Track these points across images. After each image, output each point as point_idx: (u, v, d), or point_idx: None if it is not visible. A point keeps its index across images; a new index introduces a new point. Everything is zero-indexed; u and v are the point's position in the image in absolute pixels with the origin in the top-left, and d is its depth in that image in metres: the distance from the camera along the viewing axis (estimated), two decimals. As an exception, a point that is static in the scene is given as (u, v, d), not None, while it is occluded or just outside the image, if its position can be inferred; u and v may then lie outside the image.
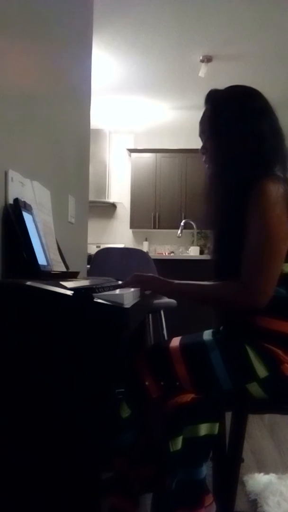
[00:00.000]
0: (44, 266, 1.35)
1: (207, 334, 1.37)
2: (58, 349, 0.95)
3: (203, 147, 1.44)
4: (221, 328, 1.41)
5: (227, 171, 1.34)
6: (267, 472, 1.99)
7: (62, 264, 1.65)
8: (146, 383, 1.26)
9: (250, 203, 1.24)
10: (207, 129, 1.41)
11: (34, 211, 1.42)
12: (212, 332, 1.40)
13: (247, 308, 1.26)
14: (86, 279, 1.76)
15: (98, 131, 6.73)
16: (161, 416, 1.23)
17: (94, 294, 0.96)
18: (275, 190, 1.23)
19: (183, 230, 5.02)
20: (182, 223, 5.04)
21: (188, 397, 1.22)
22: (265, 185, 1.23)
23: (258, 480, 1.90)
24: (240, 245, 1.26)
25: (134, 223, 6.92)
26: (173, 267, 3.62)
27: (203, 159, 1.45)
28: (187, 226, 5.20)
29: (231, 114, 1.34)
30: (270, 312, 1.27)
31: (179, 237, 5.02)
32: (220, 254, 1.37)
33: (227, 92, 1.39)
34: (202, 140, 1.45)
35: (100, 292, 1.04)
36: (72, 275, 1.48)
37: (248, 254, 1.24)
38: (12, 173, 1.31)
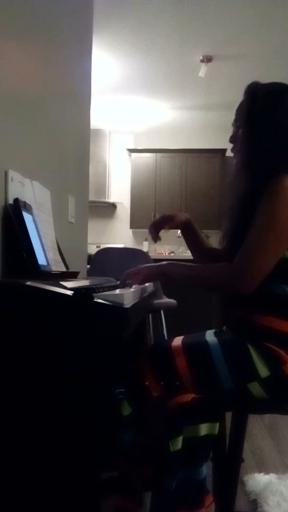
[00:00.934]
0: (44, 266, 1.35)
1: (209, 334, 1.37)
2: (58, 349, 0.95)
3: (233, 136, 1.45)
4: (223, 328, 1.42)
5: (253, 161, 1.35)
6: (267, 472, 1.99)
7: (62, 264, 1.65)
8: (147, 382, 1.26)
9: (265, 195, 1.26)
10: (241, 118, 1.41)
11: (34, 211, 1.42)
12: (214, 332, 1.41)
13: (233, 291, 1.28)
14: (86, 279, 1.76)
15: (98, 131, 6.73)
16: (162, 415, 1.23)
17: (94, 294, 0.96)
18: None
19: (183, 230, 5.02)
20: (182, 223, 5.03)
21: (188, 397, 1.22)
22: (283, 179, 1.24)
23: (258, 480, 1.90)
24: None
25: (134, 223, 6.92)
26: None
27: (231, 148, 1.46)
28: (187, 226, 5.19)
29: (266, 107, 1.35)
30: (273, 311, 1.28)
31: (179, 237, 4.99)
32: (232, 244, 1.37)
33: (267, 86, 1.40)
34: (233, 128, 1.46)
35: (100, 292, 1.04)
36: (72, 275, 1.48)
37: (248, 240, 1.26)
38: (12, 173, 1.31)
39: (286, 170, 1.27)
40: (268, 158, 1.32)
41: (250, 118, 1.38)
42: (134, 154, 6.94)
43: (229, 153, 1.49)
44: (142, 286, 1.37)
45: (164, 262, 1.39)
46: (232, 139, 1.45)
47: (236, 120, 1.44)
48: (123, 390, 1.33)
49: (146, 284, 1.45)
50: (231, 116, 1.46)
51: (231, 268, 1.27)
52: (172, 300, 2.84)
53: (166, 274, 1.37)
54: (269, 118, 1.34)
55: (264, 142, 1.34)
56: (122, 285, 1.39)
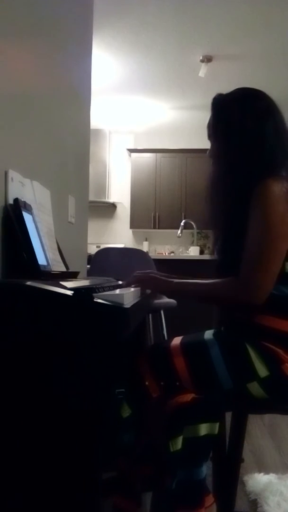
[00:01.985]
0: (44, 266, 1.35)
1: (208, 334, 1.37)
2: (58, 349, 0.95)
3: (209, 150, 1.45)
4: (222, 328, 1.42)
5: (230, 173, 1.35)
6: (267, 472, 1.99)
7: (62, 264, 1.65)
8: (146, 383, 1.26)
9: (253, 202, 1.25)
10: (213, 133, 1.42)
11: (34, 211, 1.42)
12: (213, 332, 1.41)
13: (246, 305, 1.26)
14: (86, 279, 1.76)
15: (98, 131, 6.73)
16: (161, 416, 1.23)
17: (94, 294, 0.96)
18: (278, 189, 1.23)
19: (183, 230, 5.02)
20: (182, 223, 5.04)
21: (188, 397, 1.22)
22: (268, 184, 1.24)
23: (258, 480, 1.90)
24: (242, 244, 1.26)
25: (134, 223, 6.92)
26: (173, 267, 3.62)
27: (211, 162, 1.46)
28: (187, 226, 5.20)
29: (232, 117, 1.35)
30: (272, 311, 1.28)
31: (179, 237, 5.02)
32: (223, 253, 1.37)
33: (229, 95, 1.40)
34: (210, 142, 1.46)
35: (100, 292, 1.04)
36: (72, 275, 1.48)
37: (248, 251, 1.25)
38: (12, 173, 1.31)
39: (268, 172, 1.27)
40: (247, 168, 1.31)
41: (220, 131, 1.38)
42: (134, 154, 6.94)
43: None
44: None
45: (174, 281, 1.37)
46: (211, 153, 1.45)
47: (209, 136, 1.45)
48: (123, 390, 1.33)
49: None
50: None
51: (238, 283, 1.25)
52: (172, 300, 2.84)
53: (174, 293, 1.38)
54: (236, 126, 1.34)
55: (240, 154, 1.33)
56: (127, 285, 1.39)
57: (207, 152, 1.46)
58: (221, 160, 1.40)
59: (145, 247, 6.91)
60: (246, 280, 1.23)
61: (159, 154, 6.89)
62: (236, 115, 1.34)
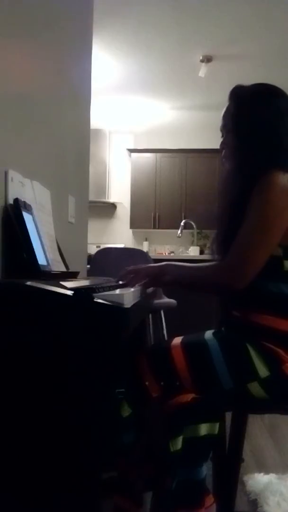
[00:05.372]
0: (44, 266, 1.35)
1: (208, 334, 1.37)
2: (58, 349, 0.95)
3: (223, 142, 1.44)
4: (222, 328, 1.42)
5: (244, 167, 1.34)
6: (267, 472, 1.99)
7: (62, 264, 1.65)
8: (146, 383, 1.26)
9: (255, 190, 1.26)
10: (229, 124, 1.41)
11: (34, 211, 1.42)
12: (214, 332, 1.41)
13: (225, 289, 1.29)
14: (86, 279, 1.76)
15: (98, 131, 6.73)
16: (161, 416, 1.23)
17: (94, 294, 0.96)
18: (282, 182, 1.24)
19: (183, 230, 5.02)
20: (182, 223, 5.04)
21: (189, 397, 1.22)
22: (274, 175, 1.24)
23: (258, 480, 1.90)
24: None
25: (134, 223, 6.92)
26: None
27: (222, 154, 1.46)
28: (187, 226, 5.20)
29: (253, 111, 1.35)
30: (272, 310, 1.28)
31: (179, 237, 5.02)
32: (225, 249, 1.37)
33: (252, 89, 1.39)
34: (222, 134, 1.45)
35: (100, 292, 1.04)
36: (72, 275, 1.48)
37: (239, 236, 1.26)
38: (12, 173, 1.31)
39: (274, 166, 1.27)
40: (259, 161, 1.31)
41: (237, 122, 1.38)
42: (134, 154, 6.94)
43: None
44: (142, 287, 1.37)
45: (164, 263, 1.40)
46: (222, 146, 1.45)
47: (224, 126, 1.44)
48: (123, 390, 1.33)
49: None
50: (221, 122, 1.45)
51: (222, 266, 1.28)
52: (172, 300, 2.84)
53: (164, 273, 1.38)
54: (257, 120, 1.34)
55: (254, 146, 1.33)
56: (119, 279, 1.40)
57: (220, 144, 1.44)
58: (236, 153, 1.39)
59: (145, 247, 6.91)
60: (231, 264, 1.26)
61: (159, 154, 6.89)
62: (257, 110, 1.34)
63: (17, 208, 1.27)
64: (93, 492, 0.97)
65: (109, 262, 2.94)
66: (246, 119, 1.36)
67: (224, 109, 1.43)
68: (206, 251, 6.43)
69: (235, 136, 1.39)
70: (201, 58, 4.87)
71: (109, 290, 1.15)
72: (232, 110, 1.40)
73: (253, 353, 1.24)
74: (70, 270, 1.69)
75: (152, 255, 4.25)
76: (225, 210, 1.41)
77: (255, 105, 1.35)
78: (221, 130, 1.45)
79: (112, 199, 7.10)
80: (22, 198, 1.34)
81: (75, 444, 0.96)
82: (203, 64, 4.92)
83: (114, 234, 7.21)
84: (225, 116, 1.43)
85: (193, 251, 5.36)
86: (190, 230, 5.68)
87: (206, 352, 1.27)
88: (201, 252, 6.15)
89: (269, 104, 1.35)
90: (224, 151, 1.45)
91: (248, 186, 1.28)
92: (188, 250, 6.04)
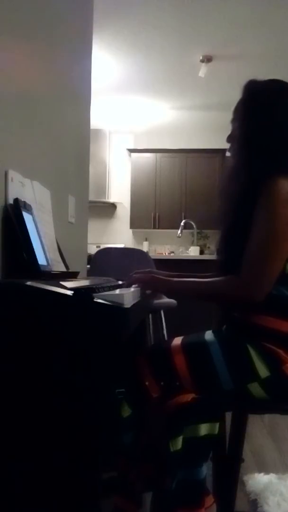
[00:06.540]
0: (44, 266, 1.35)
1: (208, 334, 1.37)
2: (58, 349, 0.95)
3: (230, 135, 1.44)
4: (223, 328, 1.42)
5: (251, 160, 1.33)
6: (267, 472, 1.99)
7: (62, 264, 1.65)
8: (147, 383, 1.26)
9: (260, 200, 1.25)
10: (239, 117, 1.40)
11: (34, 211, 1.42)
12: (214, 332, 1.41)
13: (244, 303, 1.27)
14: (86, 279, 1.76)
15: (98, 131, 6.73)
16: (162, 416, 1.23)
17: (94, 294, 0.96)
18: (286, 188, 1.23)
19: (183, 230, 5.02)
20: (182, 223, 5.04)
21: (189, 397, 1.21)
22: (278, 182, 1.23)
23: (258, 480, 1.90)
24: (245, 242, 1.26)
25: (134, 223, 6.92)
26: (173, 267, 3.62)
27: (228, 148, 1.45)
28: (187, 226, 5.20)
29: (264, 106, 1.34)
30: (272, 312, 1.28)
31: (179, 237, 5.02)
32: (227, 250, 1.37)
33: (265, 84, 1.38)
34: (232, 127, 1.44)
35: (100, 292, 1.04)
36: (72, 275, 1.48)
37: (250, 249, 1.25)
38: (12, 173, 1.31)
39: (278, 173, 1.26)
40: (266, 157, 1.31)
41: (248, 116, 1.36)
42: (134, 154, 6.94)
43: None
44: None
45: (174, 280, 1.38)
46: (230, 139, 1.44)
47: (234, 119, 1.43)
48: (123, 390, 1.33)
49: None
50: (231, 116, 1.45)
51: (239, 281, 1.25)
52: (172, 300, 2.84)
53: (173, 292, 1.38)
54: (268, 116, 1.33)
55: (262, 141, 1.33)
56: (128, 285, 1.39)
57: (227, 137, 1.43)
58: (243, 147, 1.37)
59: (145, 247, 6.91)
60: (247, 279, 1.24)
61: (159, 154, 6.89)
62: (268, 106, 1.33)
63: (17, 208, 1.27)
64: (93, 492, 0.97)
65: (109, 262, 2.94)
66: (258, 114, 1.34)
67: (237, 102, 1.41)
68: (206, 251, 6.43)
69: (244, 130, 1.38)
70: (201, 58, 4.87)
71: (109, 290, 1.15)
72: (244, 103, 1.38)
73: (253, 354, 1.24)
74: (70, 270, 1.69)
75: (152, 255, 4.24)
76: (227, 208, 1.40)
77: (268, 100, 1.34)
78: (231, 123, 1.44)
79: (112, 199, 7.10)
80: (22, 198, 1.34)
81: (75, 444, 0.96)
82: (203, 64, 4.92)
83: (114, 234, 7.21)
84: (236, 109, 1.42)
85: (193, 251, 5.36)
86: (190, 230, 5.67)
87: (206, 352, 1.27)
88: (201, 252, 6.15)
89: (279, 100, 1.34)
90: (231, 145, 1.44)
91: (251, 185, 1.28)
92: (188, 250, 6.04)
